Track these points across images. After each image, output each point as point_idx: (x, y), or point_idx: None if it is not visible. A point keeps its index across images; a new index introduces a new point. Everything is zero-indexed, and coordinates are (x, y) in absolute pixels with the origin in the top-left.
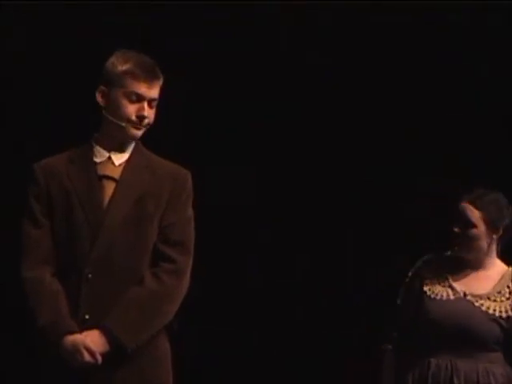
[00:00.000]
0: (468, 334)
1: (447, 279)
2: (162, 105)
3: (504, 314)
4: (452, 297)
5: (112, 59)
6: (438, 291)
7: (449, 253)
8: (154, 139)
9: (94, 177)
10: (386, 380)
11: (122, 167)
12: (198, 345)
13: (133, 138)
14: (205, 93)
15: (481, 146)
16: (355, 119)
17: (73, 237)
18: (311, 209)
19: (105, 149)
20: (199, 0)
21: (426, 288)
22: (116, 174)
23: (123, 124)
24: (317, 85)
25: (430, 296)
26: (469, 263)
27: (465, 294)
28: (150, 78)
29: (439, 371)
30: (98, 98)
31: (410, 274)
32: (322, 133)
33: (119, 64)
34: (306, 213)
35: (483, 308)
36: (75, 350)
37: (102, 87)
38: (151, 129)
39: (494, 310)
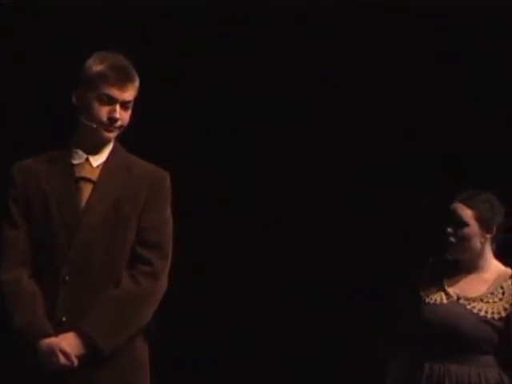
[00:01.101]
0: (459, 336)
1: (442, 283)
2: (162, 105)
3: (496, 316)
4: (445, 301)
5: (88, 61)
6: (432, 295)
7: (446, 257)
8: (154, 140)
9: (72, 178)
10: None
11: (99, 169)
12: (198, 345)
13: (106, 139)
14: (205, 93)
15: (481, 146)
16: (355, 119)
17: (50, 238)
18: (311, 209)
19: (83, 150)
20: (199, 0)
21: (421, 292)
22: (93, 176)
23: (95, 126)
24: (317, 85)
25: (424, 300)
26: (464, 266)
27: (458, 298)
28: (121, 81)
29: (432, 374)
30: (74, 99)
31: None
32: (322, 133)
33: (93, 66)
34: (306, 213)
35: (475, 310)
36: (51, 352)
37: (78, 89)
38: (152, 129)
39: (486, 312)
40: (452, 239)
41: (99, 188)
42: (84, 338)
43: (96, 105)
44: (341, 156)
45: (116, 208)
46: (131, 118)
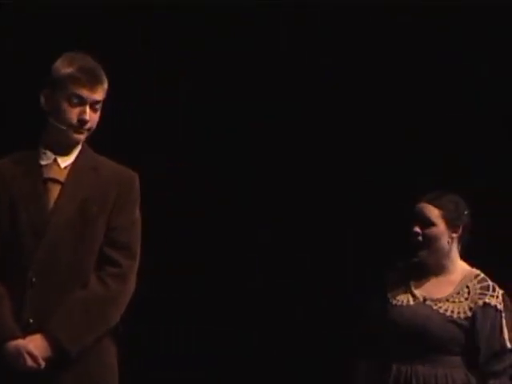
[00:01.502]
0: (427, 337)
1: (409, 285)
2: (163, 105)
3: (462, 315)
4: (412, 302)
5: (57, 62)
6: (399, 297)
7: (413, 260)
8: (154, 140)
9: (40, 179)
10: None
11: (67, 170)
12: (197, 344)
13: (75, 141)
14: (205, 93)
15: (481, 146)
16: (355, 119)
17: (17, 239)
18: (311, 209)
19: (51, 151)
20: (199, 0)
21: (389, 294)
22: (61, 177)
23: (64, 127)
24: (317, 85)
25: (391, 302)
26: (431, 268)
27: (424, 299)
28: (91, 82)
29: (399, 376)
30: (42, 100)
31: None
32: (322, 133)
33: (62, 67)
34: (305, 213)
35: (441, 310)
36: (18, 354)
37: (46, 90)
38: (152, 129)
39: (452, 312)
40: (419, 239)
41: (67, 189)
42: (51, 339)
43: (65, 106)
44: (341, 156)
45: (83, 209)
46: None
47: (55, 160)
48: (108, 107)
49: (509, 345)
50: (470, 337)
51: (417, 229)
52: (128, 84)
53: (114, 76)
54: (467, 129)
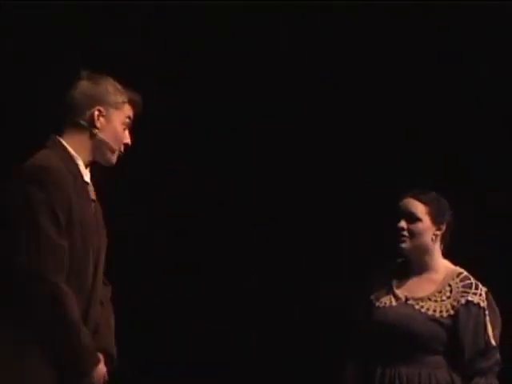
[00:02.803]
0: (410, 337)
1: (391, 286)
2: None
3: (445, 313)
4: (394, 303)
5: (108, 83)
6: (382, 299)
7: (399, 260)
8: (153, 140)
9: (89, 199)
10: None
11: (90, 186)
12: (193, 344)
13: (111, 162)
14: (204, 92)
15: (481, 146)
16: (355, 119)
17: (83, 257)
18: (307, 209)
19: (84, 166)
20: (200, 0)
21: (372, 297)
22: (94, 196)
23: (116, 148)
24: (317, 85)
25: (374, 304)
26: (413, 267)
27: (406, 299)
28: (139, 107)
29: (384, 377)
30: (93, 117)
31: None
32: (321, 133)
33: (119, 90)
34: (301, 213)
35: (423, 310)
36: (100, 377)
37: (100, 107)
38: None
39: (434, 311)
40: (405, 233)
41: (98, 208)
42: (107, 357)
43: (121, 128)
44: (340, 156)
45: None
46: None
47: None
48: None
49: (493, 342)
50: (454, 335)
51: (402, 223)
52: (127, 84)
53: (114, 76)
54: (467, 129)
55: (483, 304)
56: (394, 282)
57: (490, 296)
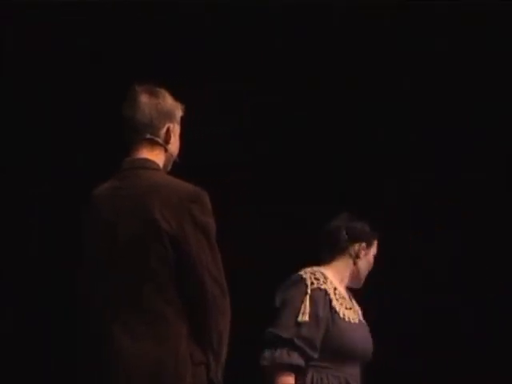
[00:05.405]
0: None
1: (345, 299)
2: None
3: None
4: (357, 321)
5: (168, 97)
6: (344, 312)
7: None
8: None
9: None
10: None
11: None
12: None
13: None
14: (205, 93)
15: (481, 146)
16: (354, 120)
17: None
18: (309, 208)
19: None
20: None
21: (335, 305)
22: None
23: (176, 160)
24: (317, 84)
25: (340, 316)
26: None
27: (358, 315)
28: None
29: None
30: (168, 134)
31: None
32: (320, 133)
33: (175, 102)
34: (300, 213)
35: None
36: None
37: (170, 124)
38: None
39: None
40: None
41: None
42: None
43: (178, 140)
44: (339, 156)
45: None
46: None
47: None
48: (108, 107)
49: None
50: None
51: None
52: (126, 84)
53: (113, 76)
54: (467, 128)
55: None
56: (348, 295)
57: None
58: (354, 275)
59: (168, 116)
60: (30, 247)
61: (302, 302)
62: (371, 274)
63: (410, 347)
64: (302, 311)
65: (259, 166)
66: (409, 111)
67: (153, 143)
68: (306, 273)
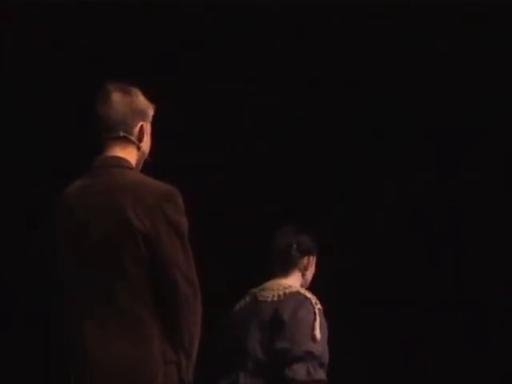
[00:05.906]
0: None
1: None
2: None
3: None
4: None
5: (140, 95)
6: None
7: None
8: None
9: None
10: None
11: None
12: None
13: None
14: (205, 93)
15: (481, 146)
16: (354, 120)
17: None
18: (309, 208)
19: None
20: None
21: None
22: None
23: (147, 159)
24: (317, 84)
25: None
26: None
27: None
28: None
29: None
30: (141, 132)
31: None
32: (320, 133)
33: (146, 100)
34: (302, 213)
35: None
36: None
37: (143, 123)
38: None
39: None
40: None
41: None
42: None
43: (150, 138)
44: (338, 156)
45: None
46: None
47: None
48: None
49: None
50: None
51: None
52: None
53: (113, 76)
54: (467, 128)
55: None
56: None
57: None
58: (303, 286)
59: (141, 114)
60: (29, 247)
61: (315, 319)
62: (371, 273)
63: (410, 347)
64: (316, 328)
65: (259, 166)
66: (409, 111)
67: (126, 141)
68: (306, 292)
